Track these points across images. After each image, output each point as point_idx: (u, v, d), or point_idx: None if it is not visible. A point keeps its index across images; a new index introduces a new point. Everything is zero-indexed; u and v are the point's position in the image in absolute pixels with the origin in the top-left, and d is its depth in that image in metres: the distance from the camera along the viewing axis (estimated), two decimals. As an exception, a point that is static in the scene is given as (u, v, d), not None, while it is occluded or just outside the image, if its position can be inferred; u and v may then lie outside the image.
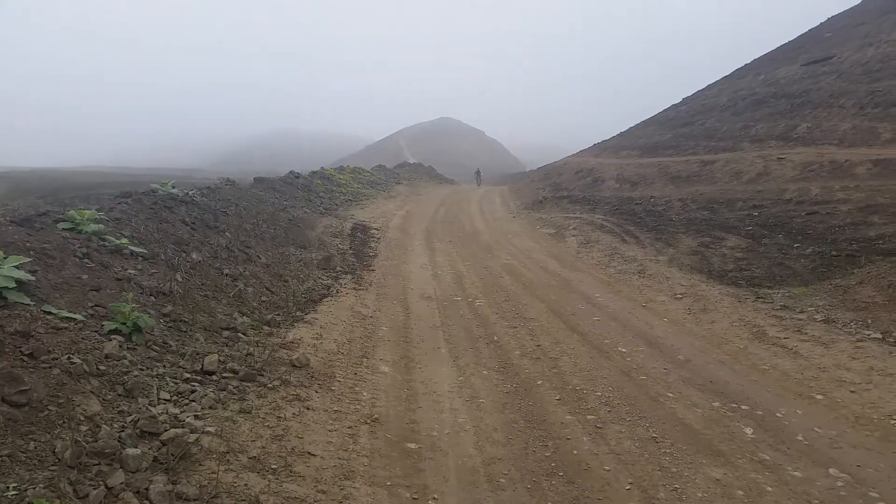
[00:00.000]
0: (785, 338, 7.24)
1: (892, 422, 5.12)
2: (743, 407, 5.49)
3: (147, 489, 3.31)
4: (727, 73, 30.36)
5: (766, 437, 4.94)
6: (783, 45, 29.88)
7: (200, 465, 3.67)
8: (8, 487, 2.83)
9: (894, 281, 7.85)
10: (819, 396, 5.70)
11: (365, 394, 5.48)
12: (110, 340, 4.70)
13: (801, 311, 7.94)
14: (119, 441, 3.59)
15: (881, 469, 4.41)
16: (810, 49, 25.29)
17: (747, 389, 5.90)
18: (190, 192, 10.93)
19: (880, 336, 6.81)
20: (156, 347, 5.08)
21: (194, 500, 3.35)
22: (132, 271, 6.39)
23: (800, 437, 4.91)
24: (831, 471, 4.38)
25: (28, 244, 5.72)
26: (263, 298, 7.77)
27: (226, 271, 8.05)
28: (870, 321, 7.23)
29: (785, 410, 5.42)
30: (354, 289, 9.35)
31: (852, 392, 5.72)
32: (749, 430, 5.05)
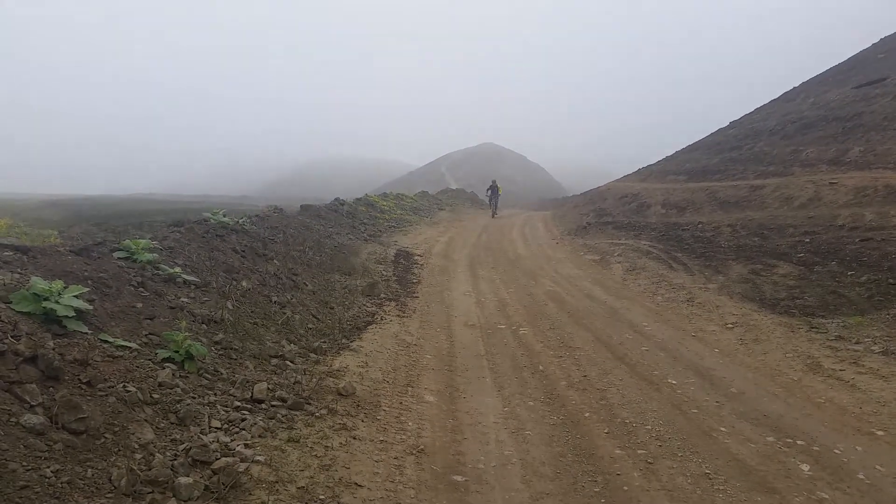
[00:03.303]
0: (841, 370, 7.00)
1: (962, 461, 4.88)
2: (798, 442, 5.31)
3: (199, 519, 3.35)
4: (775, 97, 29.87)
5: (824, 474, 4.75)
6: (833, 67, 29.29)
7: (250, 494, 3.71)
8: (67, 515, 2.91)
9: (958, 311, 7.55)
10: (880, 433, 5.48)
11: (410, 423, 5.47)
12: (164, 369, 4.81)
13: (858, 342, 7.67)
14: (172, 469, 3.66)
15: (951, 512, 4.20)
16: (862, 71, 24.74)
17: (803, 424, 5.70)
18: (240, 221, 11.16)
19: (944, 369, 6.53)
20: (207, 375, 5.18)
21: (244, 530, 3.39)
22: (185, 300, 6.54)
23: (861, 476, 4.71)
24: (897, 513, 4.19)
25: (86, 273, 5.90)
26: (310, 326, 7.86)
27: (274, 299, 8.17)
28: (933, 353, 6.95)
29: (843, 446, 5.22)
30: (398, 316, 9.39)
31: (916, 428, 5.48)
32: (806, 467, 4.87)
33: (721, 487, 4.53)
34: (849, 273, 10.02)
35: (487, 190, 32.52)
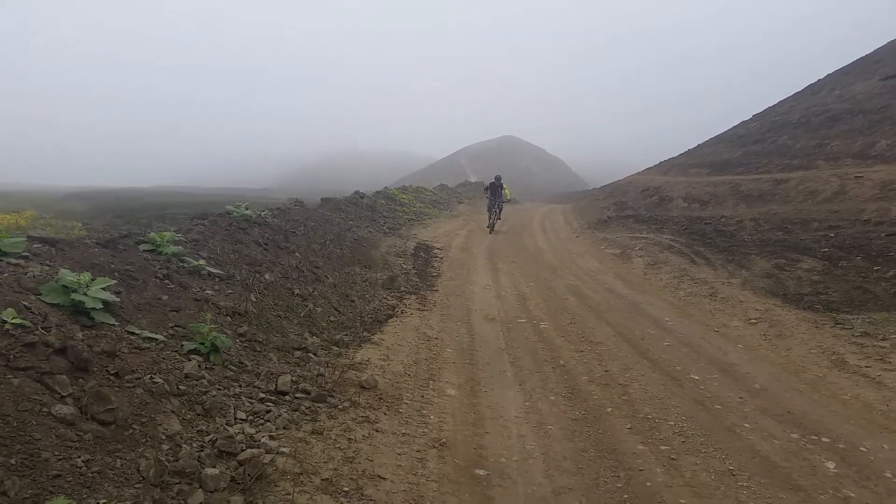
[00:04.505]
0: (867, 366, 6.91)
1: None
2: (824, 439, 5.25)
3: (225, 509, 3.39)
4: (799, 89, 29.43)
5: (850, 472, 4.70)
6: (858, 59, 28.79)
7: (276, 485, 3.75)
8: (98, 503, 2.95)
9: None
10: (908, 431, 5.41)
11: (432, 417, 5.49)
12: (189, 360, 4.87)
13: (884, 339, 7.56)
14: (198, 461, 3.70)
15: (981, 512, 4.14)
16: (889, 63, 24.30)
17: (828, 421, 5.64)
18: (262, 214, 11.24)
19: (974, 367, 6.42)
20: (232, 367, 5.23)
21: (270, 521, 3.42)
22: (210, 292, 6.61)
23: (888, 474, 4.65)
24: (925, 512, 4.14)
25: (112, 266, 5.98)
26: (332, 318, 7.91)
27: (296, 291, 8.23)
28: (962, 351, 6.83)
29: (870, 444, 5.16)
30: (419, 309, 9.41)
31: (945, 427, 5.40)
32: (831, 465, 4.82)
33: (745, 484, 4.50)
34: (874, 268, 9.88)
35: (486, 189, 21.98)
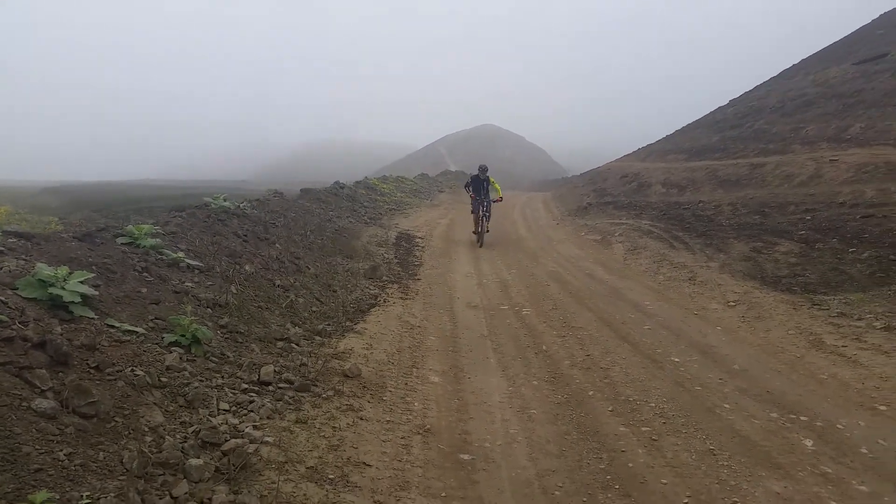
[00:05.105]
0: (843, 346, 7.03)
1: (964, 434, 4.93)
2: (802, 418, 5.35)
3: (210, 499, 3.39)
4: (775, 74, 29.68)
5: (827, 449, 4.80)
6: (832, 44, 29.05)
7: (260, 475, 3.75)
8: (82, 496, 2.94)
9: (960, 286, 7.56)
10: (882, 407, 5.52)
11: (416, 404, 5.51)
12: (171, 352, 4.84)
13: (860, 319, 7.70)
14: (182, 452, 3.70)
15: (954, 484, 4.24)
16: (861, 47, 24.55)
17: (806, 400, 5.75)
18: (241, 205, 11.16)
19: (945, 344, 6.56)
20: (214, 359, 5.21)
21: (256, 510, 3.43)
22: (189, 284, 6.57)
23: (864, 450, 4.76)
24: (900, 485, 4.24)
25: (90, 259, 5.92)
26: (314, 309, 7.89)
27: (277, 282, 8.20)
28: (934, 329, 6.97)
29: (846, 422, 5.26)
30: (401, 298, 9.42)
31: (918, 403, 5.52)
32: (809, 442, 4.91)
33: (726, 463, 4.58)
34: (850, 250, 10.02)
35: (467, 186, 16.71)
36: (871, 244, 10.00)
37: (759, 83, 29.82)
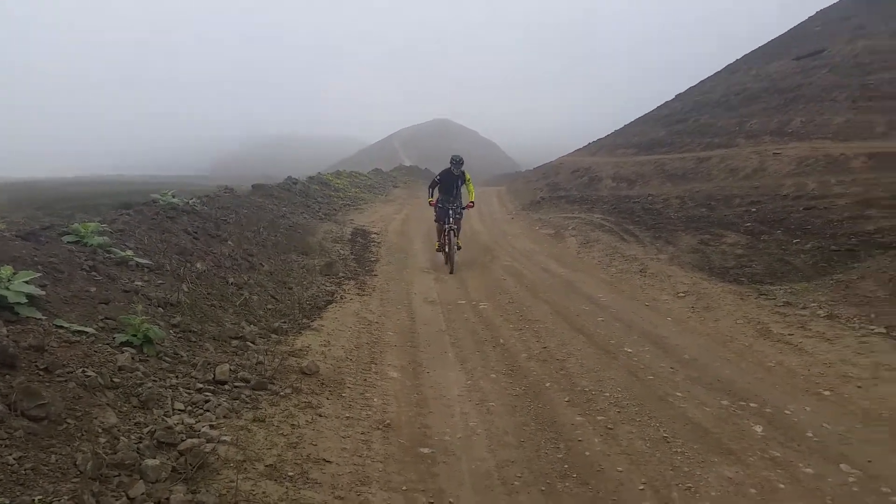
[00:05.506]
0: (789, 334, 7.28)
1: (901, 417, 5.16)
2: (751, 405, 5.53)
3: (167, 499, 3.33)
4: (719, 69, 30.41)
5: (776, 434, 4.97)
6: (773, 39, 29.94)
7: (218, 474, 3.70)
8: (34, 500, 2.86)
9: (895, 275, 7.89)
10: (827, 392, 5.75)
11: (376, 400, 5.51)
12: (122, 353, 4.73)
13: (804, 307, 7.98)
14: (138, 452, 3.62)
15: (893, 465, 4.44)
16: (800, 43, 25.36)
17: (755, 387, 5.94)
18: (190, 202, 10.94)
19: (884, 331, 6.84)
20: (167, 358, 5.11)
21: (215, 509, 3.38)
22: (139, 283, 6.42)
23: (810, 434, 4.95)
24: (843, 467, 4.42)
25: (35, 258, 5.74)
26: (269, 306, 7.79)
27: (230, 280, 8.07)
28: (873, 316, 7.27)
29: (793, 407, 5.46)
30: (358, 294, 9.38)
31: (860, 388, 5.76)
32: (759, 428, 5.08)
33: (679, 450, 4.71)
34: (794, 241, 10.38)
35: (433, 186, 12.57)
36: (814, 235, 10.37)
37: (704, 78, 30.53)
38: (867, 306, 7.56)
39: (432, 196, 12.37)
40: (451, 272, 11.43)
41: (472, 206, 12.48)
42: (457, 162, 12.16)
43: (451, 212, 11.81)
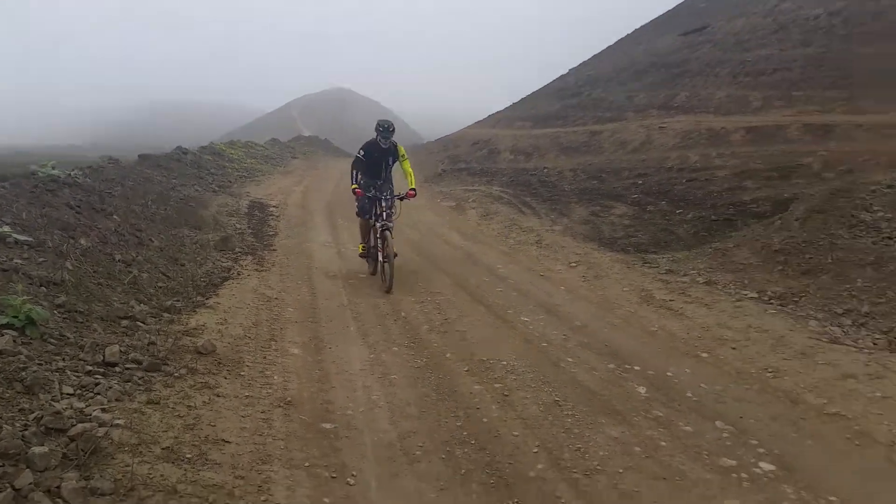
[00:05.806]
0: (671, 300, 7.78)
1: (768, 375, 5.67)
2: (636, 368, 5.91)
3: (59, 487, 3.21)
4: (611, 44, 31.37)
5: (658, 395, 5.35)
6: (661, 14, 31.12)
7: (113, 458, 3.60)
8: None
9: (767, 243, 8.53)
10: (704, 355, 6.22)
11: (276, 377, 5.47)
12: (3, 335, 4.46)
13: (685, 275, 8.52)
14: (23, 440, 3.45)
15: (760, 419, 4.92)
16: (686, 19, 26.50)
17: (639, 351, 6.35)
18: (72, 173, 10.31)
19: (756, 295, 7.45)
20: (52, 340, 4.86)
21: (110, 494, 3.29)
22: (18, 261, 6.03)
23: (689, 394, 5.36)
24: (717, 423, 4.83)
25: None
26: (160, 284, 7.52)
27: (118, 257, 7.71)
28: (746, 282, 7.87)
29: (674, 369, 5.88)
30: (256, 270, 9.19)
31: (733, 349, 6.27)
32: (643, 390, 5.45)
33: (570, 413, 4.99)
34: (677, 212, 11.02)
35: (356, 163, 9.17)
36: (696, 206, 11.05)
37: (596, 52, 31.41)
38: (742, 272, 8.17)
39: (356, 181, 9.07)
40: (388, 290, 8.36)
41: (415, 196, 9.36)
42: (385, 129, 8.92)
43: (382, 202, 8.83)
